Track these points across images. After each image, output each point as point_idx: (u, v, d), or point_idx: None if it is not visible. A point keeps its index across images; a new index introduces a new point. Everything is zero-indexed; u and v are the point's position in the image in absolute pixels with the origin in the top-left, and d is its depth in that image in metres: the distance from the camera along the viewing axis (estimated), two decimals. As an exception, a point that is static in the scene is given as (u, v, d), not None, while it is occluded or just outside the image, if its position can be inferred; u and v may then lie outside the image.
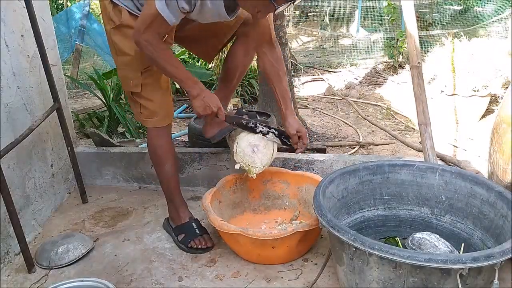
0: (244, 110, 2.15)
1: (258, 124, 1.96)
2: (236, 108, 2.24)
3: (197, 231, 1.99)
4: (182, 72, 1.78)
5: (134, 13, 1.76)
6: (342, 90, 4.63)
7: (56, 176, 2.35)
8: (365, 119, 3.76)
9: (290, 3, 1.53)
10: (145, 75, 1.85)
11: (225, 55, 2.16)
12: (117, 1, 1.76)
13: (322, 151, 2.81)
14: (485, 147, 2.04)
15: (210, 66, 4.34)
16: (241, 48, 2.01)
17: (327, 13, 7.39)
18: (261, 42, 1.94)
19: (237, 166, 1.96)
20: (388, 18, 5.69)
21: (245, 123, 1.96)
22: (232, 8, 1.66)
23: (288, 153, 2.35)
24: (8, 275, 1.85)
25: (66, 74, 3.96)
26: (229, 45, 2.16)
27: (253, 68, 4.19)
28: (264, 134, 1.97)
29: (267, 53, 1.95)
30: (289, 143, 1.99)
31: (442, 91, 3.66)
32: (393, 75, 5.11)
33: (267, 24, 1.90)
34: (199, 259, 1.92)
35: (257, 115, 2.15)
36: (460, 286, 1.26)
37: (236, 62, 2.06)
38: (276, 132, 1.98)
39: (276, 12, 1.56)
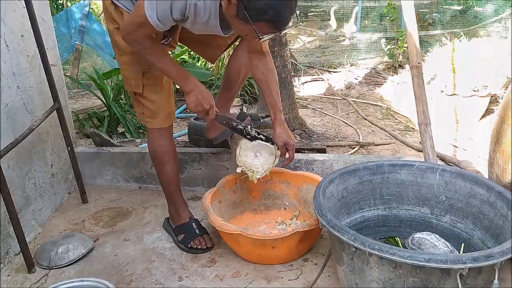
0: (246, 113, 2.14)
1: (247, 128, 1.95)
2: (239, 110, 2.23)
3: (197, 231, 1.99)
4: (173, 68, 1.76)
5: None
6: (342, 90, 4.62)
7: (56, 176, 2.35)
8: (365, 119, 3.76)
9: (275, 35, 1.52)
10: (147, 76, 1.85)
11: (228, 57, 2.14)
12: (117, 2, 1.75)
13: (322, 151, 2.80)
14: (485, 147, 2.04)
15: (210, 66, 4.34)
16: (244, 50, 2.00)
17: (330, 14, 7.38)
18: (251, 52, 1.93)
19: (238, 170, 1.95)
20: (388, 18, 5.69)
21: (234, 125, 1.95)
22: (227, 26, 1.64)
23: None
24: (8, 275, 1.85)
25: (66, 74, 3.95)
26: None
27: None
28: (251, 138, 1.94)
29: (257, 63, 1.93)
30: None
31: (442, 91, 3.65)
32: (393, 75, 5.11)
33: None
34: (199, 259, 1.92)
35: (260, 118, 2.14)
36: (460, 286, 1.26)
37: (239, 64, 2.04)
38: (264, 138, 1.96)
39: (260, 41, 1.54)
